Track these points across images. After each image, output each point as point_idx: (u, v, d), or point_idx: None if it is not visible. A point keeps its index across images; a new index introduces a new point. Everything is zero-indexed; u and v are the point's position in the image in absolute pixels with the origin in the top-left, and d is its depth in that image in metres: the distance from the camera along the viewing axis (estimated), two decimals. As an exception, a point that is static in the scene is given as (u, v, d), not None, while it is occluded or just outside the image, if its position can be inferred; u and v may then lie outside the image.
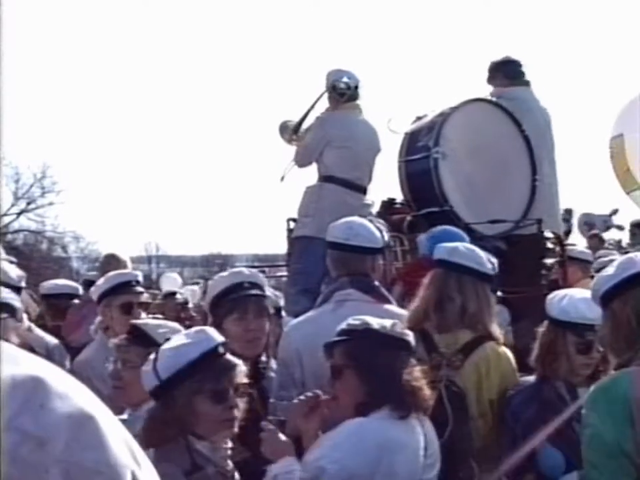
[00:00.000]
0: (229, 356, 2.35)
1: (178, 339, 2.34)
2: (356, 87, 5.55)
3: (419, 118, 5.48)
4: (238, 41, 57.97)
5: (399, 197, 5.67)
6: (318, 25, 62.15)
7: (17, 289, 4.17)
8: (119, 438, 0.77)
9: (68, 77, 52.01)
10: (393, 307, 3.47)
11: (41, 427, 0.72)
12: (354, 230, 3.47)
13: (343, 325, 2.72)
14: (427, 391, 2.60)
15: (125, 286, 3.96)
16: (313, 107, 5.72)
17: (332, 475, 2.42)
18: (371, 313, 2.88)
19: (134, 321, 3.13)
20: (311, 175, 5.70)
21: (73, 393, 0.76)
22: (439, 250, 3.43)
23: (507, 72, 5.60)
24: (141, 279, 4.21)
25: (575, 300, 2.98)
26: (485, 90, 5.65)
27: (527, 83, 5.63)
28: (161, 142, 56.04)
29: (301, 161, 5.61)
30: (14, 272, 4.31)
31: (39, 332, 4.31)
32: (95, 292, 4.04)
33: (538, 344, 3.05)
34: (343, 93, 5.52)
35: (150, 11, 56.22)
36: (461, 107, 5.28)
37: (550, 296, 3.09)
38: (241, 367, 2.34)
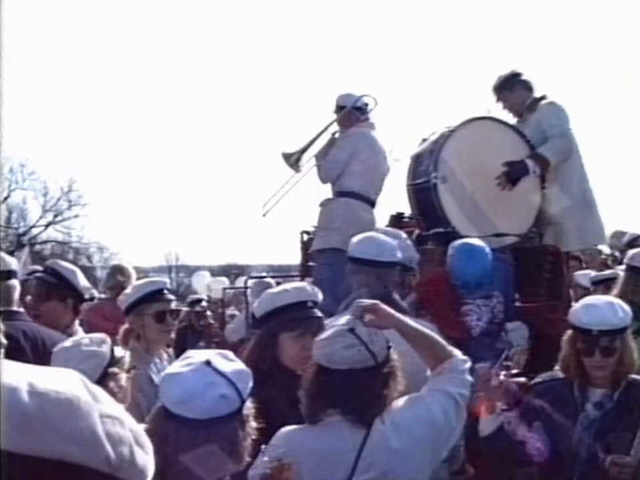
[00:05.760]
0: None
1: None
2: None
3: (424, 140, 5.54)
4: (241, 45, 58.14)
5: (407, 210, 5.77)
6: (318, 29, 62.30)
7: (79, 298, 4.26)
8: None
9: (93, 98, 52.50)
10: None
11: None
12: (380, 246, 3.79)
13: None
14: None
15: (157, 294, 3.88)
16: (326, 128, 5.86)
17: None
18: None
19: None
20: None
21: None
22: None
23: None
24: (169, 285, 4.14)
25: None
26: (484, 103, 5.70)
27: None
28: (180, 156, 56.34)
29: (329, 175, 5.65)
30: (82, 281, 4.28)
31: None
32: (124, 301, 3.93)
33: None
34: (365, 111, 5.72)
35: (150, 12, 56.28)
36: (458, 129, 5.31)
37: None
38: None
